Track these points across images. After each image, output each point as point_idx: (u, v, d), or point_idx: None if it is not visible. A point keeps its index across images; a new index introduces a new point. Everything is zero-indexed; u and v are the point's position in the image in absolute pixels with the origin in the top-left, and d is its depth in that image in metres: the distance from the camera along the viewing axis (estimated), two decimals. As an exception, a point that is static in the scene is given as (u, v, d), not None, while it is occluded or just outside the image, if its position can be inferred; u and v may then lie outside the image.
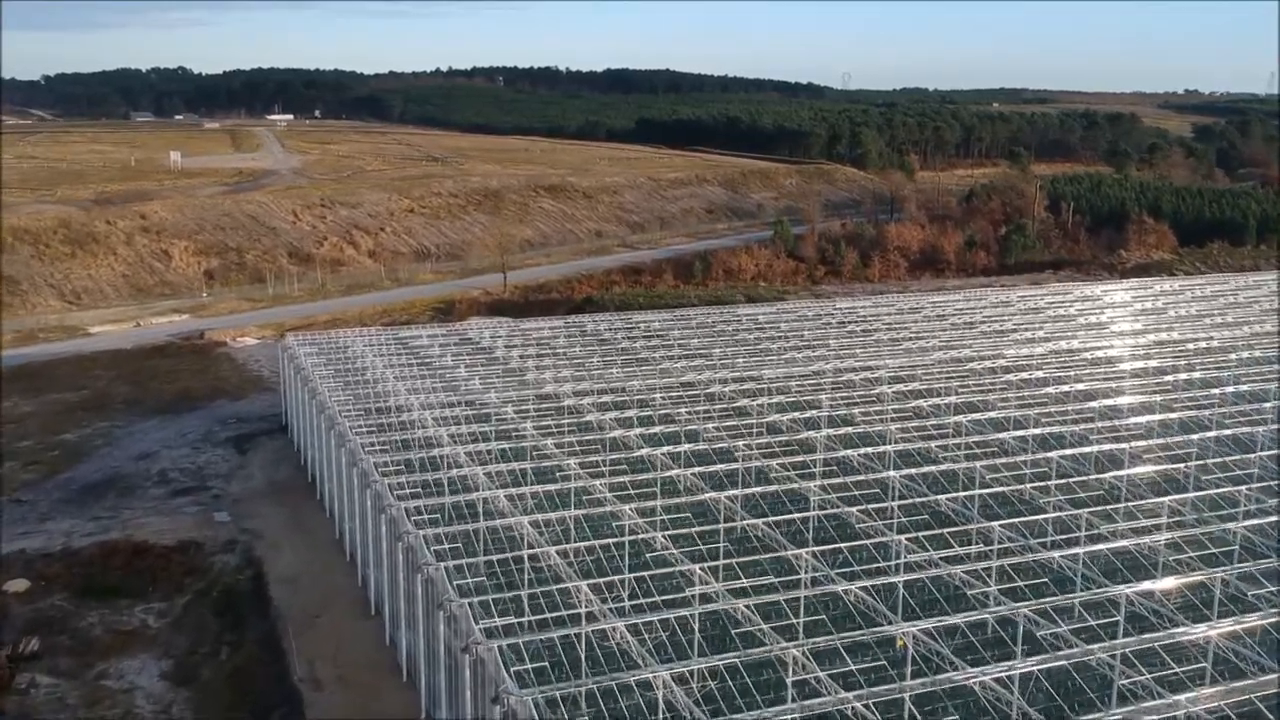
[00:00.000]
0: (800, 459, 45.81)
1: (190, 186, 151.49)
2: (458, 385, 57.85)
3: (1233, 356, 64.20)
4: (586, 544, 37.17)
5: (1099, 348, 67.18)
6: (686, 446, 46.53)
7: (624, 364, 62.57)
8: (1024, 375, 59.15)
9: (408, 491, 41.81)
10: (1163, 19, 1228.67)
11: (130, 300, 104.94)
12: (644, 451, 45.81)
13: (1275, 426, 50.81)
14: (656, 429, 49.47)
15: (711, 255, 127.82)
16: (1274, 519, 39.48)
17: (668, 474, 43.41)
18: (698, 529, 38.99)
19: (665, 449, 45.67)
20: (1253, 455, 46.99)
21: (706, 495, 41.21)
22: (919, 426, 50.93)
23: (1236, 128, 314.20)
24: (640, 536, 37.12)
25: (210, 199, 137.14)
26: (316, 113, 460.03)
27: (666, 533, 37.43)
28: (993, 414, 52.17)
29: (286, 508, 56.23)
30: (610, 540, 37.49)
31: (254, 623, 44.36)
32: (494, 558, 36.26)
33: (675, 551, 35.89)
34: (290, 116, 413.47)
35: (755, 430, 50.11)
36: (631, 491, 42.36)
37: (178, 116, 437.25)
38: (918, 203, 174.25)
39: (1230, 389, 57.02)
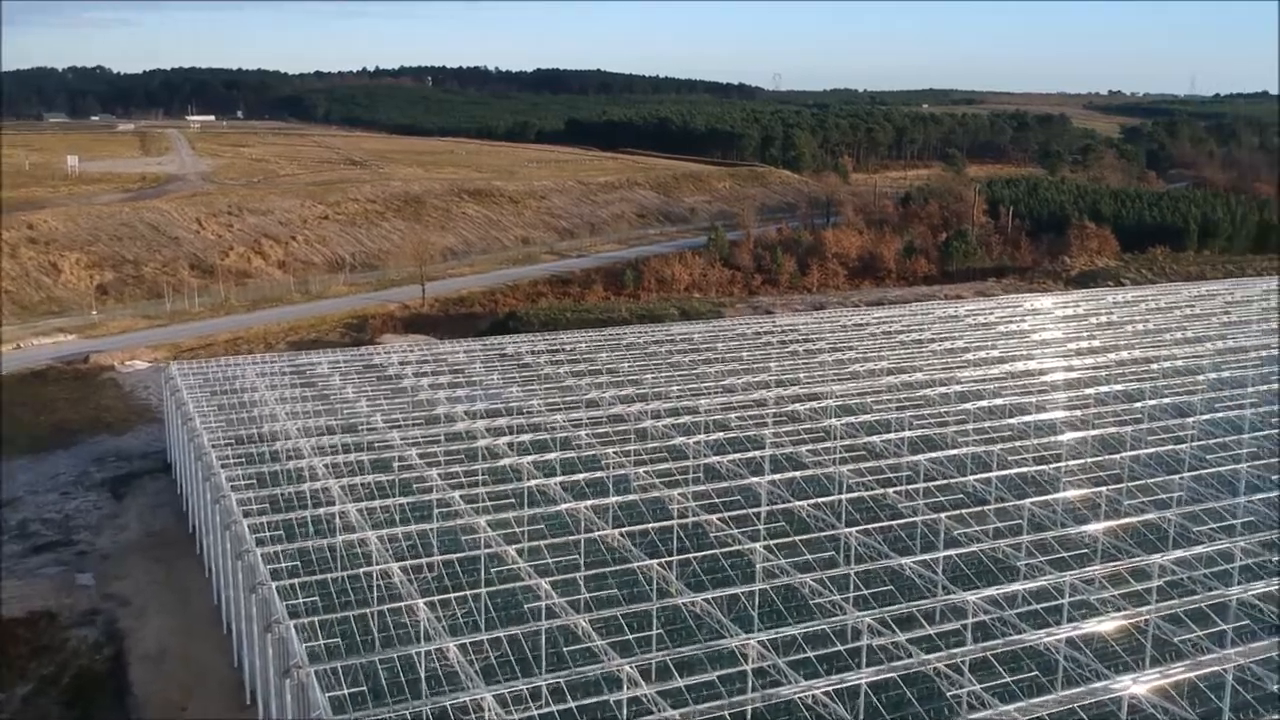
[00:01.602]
0: (743, 512, 40.29)
1: (87, 193, 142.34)
2: (358, 424, 51.43)
3: (1201, 378, 59.96)
4: (494, 635, 31.15)
5: (1058, 369, 62.54)
6: (615, 499, 40.81)
7: (547, 394, 56.55)
8: (982, 404, 54.16)
9: (284, 566, 35.51)
10: (1084, 19, 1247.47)
11: (12, 319, 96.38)
12: (566, 506, 39.92)
13: (1266, 461, 46.43)
14: (580, 476, 43.66)
15: (644, 263, 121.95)
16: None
17: (593, 534, 37.69)
18: (626, 609, 33.13)
19: (590, 503, 39.86)
20: (1240, 500, 42.38)
21: (638, 564, 35.53)
22: (873, 468, 45.67)
23: (1164, 129, 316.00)
24: (560, 622, 31.23)
25: (107, 207, 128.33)
26: (239, 113, 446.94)
27: (590, 616, 31.58)
28: (953, 451, 47.11)
29: (161, 565, 49.46)
30: (523, 629, 31.47)
31: (107, 717, 37.80)
32: (378, 658, 30.06)
33: (600, 643, 30.07)
34: (210, 117, 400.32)
35: (691, 475, 44.51)
36: (550, 561, 36.57)
37: (93, 117, 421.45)
38: (854, 206, 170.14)
39: (1205, 416, 52.73)
